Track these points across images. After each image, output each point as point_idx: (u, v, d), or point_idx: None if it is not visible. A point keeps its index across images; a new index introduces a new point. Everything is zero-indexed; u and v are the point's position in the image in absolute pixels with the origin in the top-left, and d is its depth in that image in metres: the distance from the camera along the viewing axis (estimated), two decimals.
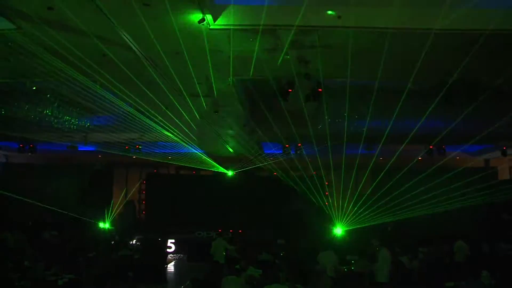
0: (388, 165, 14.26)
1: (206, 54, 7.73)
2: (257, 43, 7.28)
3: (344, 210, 15.26)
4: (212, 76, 8.96)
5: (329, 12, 6.42)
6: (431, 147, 16.34)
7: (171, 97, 10.03)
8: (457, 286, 9.52)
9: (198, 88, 9.55)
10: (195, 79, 9.10)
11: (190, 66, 8.30)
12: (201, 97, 10.27)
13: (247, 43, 7.41)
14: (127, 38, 6.72)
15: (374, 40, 7.24)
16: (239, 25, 6.63)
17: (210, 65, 8.30)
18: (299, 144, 16.03)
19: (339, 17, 6.52)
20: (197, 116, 11.91)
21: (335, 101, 10.54)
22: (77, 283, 10.15)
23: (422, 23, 6.66)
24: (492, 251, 13.86)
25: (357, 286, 10.89)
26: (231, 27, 6.69)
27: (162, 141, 17.67)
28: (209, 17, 6.49)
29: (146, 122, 12.44)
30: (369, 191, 15.06)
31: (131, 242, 16.68)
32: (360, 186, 16.68)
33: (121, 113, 12.58)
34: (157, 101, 10.46)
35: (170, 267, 17.15)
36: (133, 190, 22.12)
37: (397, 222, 17.54)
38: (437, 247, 13.15)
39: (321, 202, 18.38)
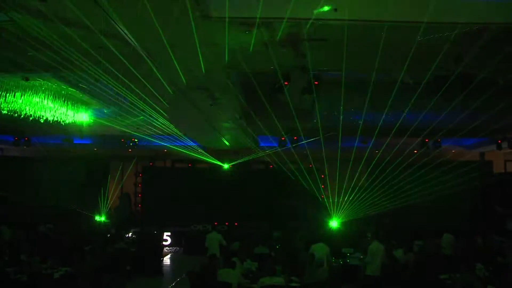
0: None
1: (202, 46, 7.71)
2: (253, 35, 7.28)
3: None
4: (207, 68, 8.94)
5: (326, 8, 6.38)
6: (426, 140, 16.38)
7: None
8: (451, 279, 9.60)
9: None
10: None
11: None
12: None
13: (243, 35, 7.38)
14: (122, 30, 6.67)
15: (371, 33, 7.23)
16: (235, 17, 6.60)
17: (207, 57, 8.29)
18: (295, 138, 16.06)
19: (335, 9, 6.48)
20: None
21: (330, 94, 10.55)
22: (73, 276, 10.16)
23: (420, 15, 6.63)
24: (485, 243, 13.97)
25: (352, 278, 10.96)
26: (227, 19, 6.66)
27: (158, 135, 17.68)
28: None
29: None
30: None
31: (127, 235, 16.70)
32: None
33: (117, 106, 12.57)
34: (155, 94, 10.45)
35: (166, 260, 17.20)
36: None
37: (393, 214, 17.69)
38: (431, 240, 13.24)
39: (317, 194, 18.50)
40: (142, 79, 9.10)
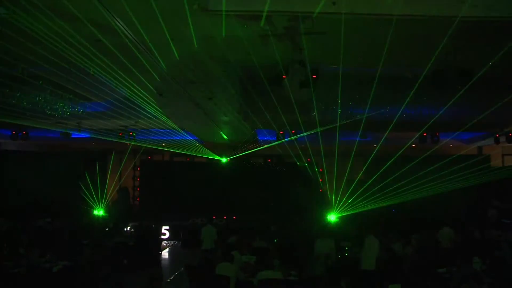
0: None
1: (199, 40, 7.69)
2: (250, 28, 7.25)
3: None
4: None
5: None
6: (424, 134, 16.39)
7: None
8: (449, 272, 9.63)
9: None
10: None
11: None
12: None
13: (241, 29, 7.36)
14: (118, 22, 6.64)
15: (368, 26, 7.22)
16: (232, 11, 6.56)
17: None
18: (293, 131, 16.05)
19: (333, 3, 6.46)
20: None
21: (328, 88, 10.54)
22: (72, 270, 10.18)
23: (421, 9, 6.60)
24: (483, 237, 14.02)
25: (350, 273, 10.96)
26: (224, 12, 6.63)
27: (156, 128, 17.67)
28: None
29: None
30: None
31: (125, 229, 16.73)
32: None
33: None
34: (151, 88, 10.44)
35: (165, 253, 17.23)
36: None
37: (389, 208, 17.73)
38: (429, 233, 13.28)
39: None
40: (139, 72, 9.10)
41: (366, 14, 6.61)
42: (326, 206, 19.34)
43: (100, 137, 17.63)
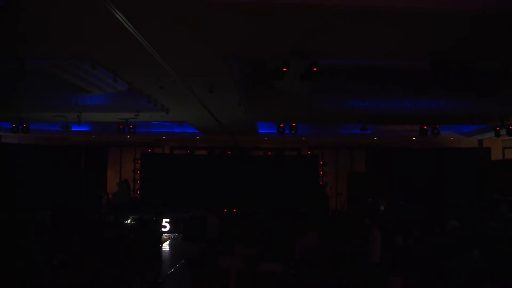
0: None
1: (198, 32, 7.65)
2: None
3: None
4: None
5: None
6: (425, 127, 16.37)
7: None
8: (449, 265, 9.63)
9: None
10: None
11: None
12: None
13: (242, 22, 7.31)
14: (118, 15, 6.60)
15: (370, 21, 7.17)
16: (233, 3, 6.51)
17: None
18: (294, 124, 16.05)
19: None
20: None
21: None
22: (72, 263, 10.18)
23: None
24: (483, 230, 14.03)
25: (351, 266, 10.98)
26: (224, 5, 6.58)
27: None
28: None
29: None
30: None
31: (126, 222, 16.74)
32: None
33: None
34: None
35: (165, 246, 17.27)
36: None
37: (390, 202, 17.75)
38: (430, 227, 13.28)
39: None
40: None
41: (367, 8, 6.55)
42: (326, 198, 19.42)
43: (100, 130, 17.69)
